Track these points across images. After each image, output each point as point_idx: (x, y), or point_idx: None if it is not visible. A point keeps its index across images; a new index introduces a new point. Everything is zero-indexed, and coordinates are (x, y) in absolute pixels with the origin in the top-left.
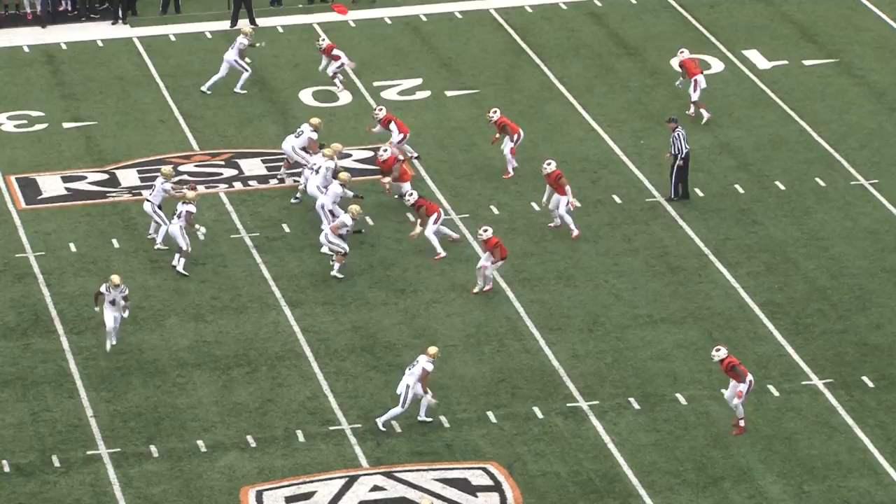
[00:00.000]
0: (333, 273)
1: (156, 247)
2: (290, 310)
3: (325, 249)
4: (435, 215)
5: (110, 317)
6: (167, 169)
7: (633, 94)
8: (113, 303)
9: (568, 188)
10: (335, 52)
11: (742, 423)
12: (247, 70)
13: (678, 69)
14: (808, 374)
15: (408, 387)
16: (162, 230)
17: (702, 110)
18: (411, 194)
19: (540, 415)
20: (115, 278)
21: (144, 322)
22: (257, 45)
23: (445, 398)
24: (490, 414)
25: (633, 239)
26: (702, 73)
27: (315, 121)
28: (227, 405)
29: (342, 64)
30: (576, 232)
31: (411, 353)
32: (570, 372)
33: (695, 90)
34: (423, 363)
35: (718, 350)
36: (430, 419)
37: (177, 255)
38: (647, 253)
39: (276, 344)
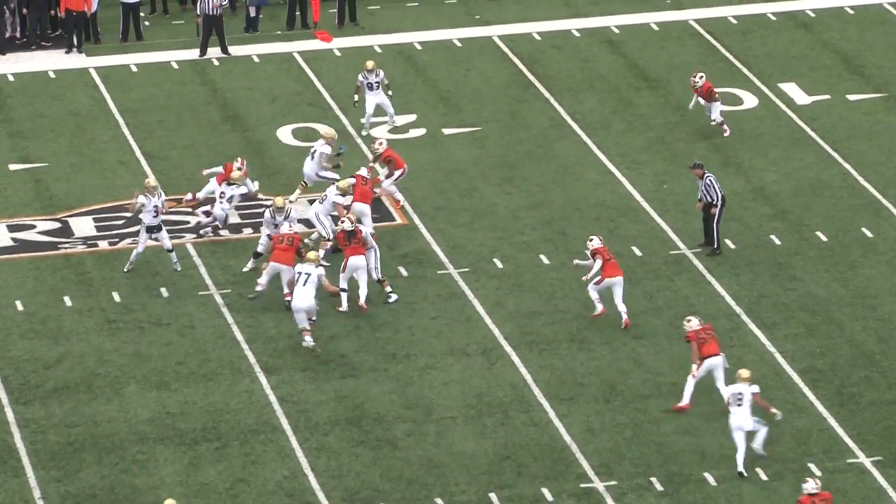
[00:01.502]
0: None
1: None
2: (266, 377)
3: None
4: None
5: None
6: (150, 181)
7: (655, 133)
8: None
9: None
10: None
11: None
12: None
13: (701, 97)
14: (853, 451)
15: (742, 429)
16: (137, 251)
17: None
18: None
19: (550, 497)
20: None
21: (100, 391)
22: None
23: (442, 477)
24: (493, 496)
25: (656, 296)
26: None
27: (327, 132)
28: (194, 486)
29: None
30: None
31: (403, 425)
32: (584, 448)
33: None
34: (747, 390)
35: None
36: (765, 453)
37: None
38: (671, 312)
39: (250, 416)
